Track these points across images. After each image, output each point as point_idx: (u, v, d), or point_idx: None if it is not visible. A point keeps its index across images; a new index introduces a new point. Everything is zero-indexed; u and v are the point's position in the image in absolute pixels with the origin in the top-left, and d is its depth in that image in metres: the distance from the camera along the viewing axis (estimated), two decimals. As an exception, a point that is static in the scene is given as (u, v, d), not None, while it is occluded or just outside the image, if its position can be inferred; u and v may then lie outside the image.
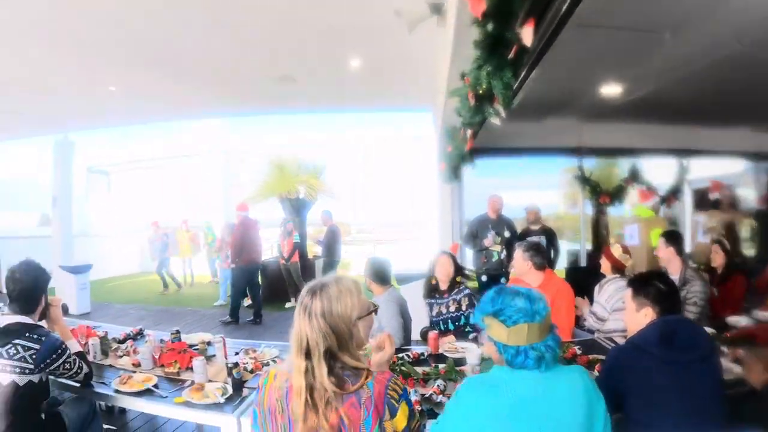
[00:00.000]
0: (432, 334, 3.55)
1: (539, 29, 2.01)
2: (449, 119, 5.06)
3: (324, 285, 1.74)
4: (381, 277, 4.08)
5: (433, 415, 2.38)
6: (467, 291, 4.19)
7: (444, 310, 4.18)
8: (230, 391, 2.74)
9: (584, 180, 8.85)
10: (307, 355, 1.64)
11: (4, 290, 2.92)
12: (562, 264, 8.07)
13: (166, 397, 2.78)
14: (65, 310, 9.64)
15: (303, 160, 11.62)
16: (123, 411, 4.40)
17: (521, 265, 4.10)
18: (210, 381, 2.91)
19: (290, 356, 1.72)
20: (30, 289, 2.78)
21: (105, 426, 3.27)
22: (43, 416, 2.68)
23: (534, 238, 6.25)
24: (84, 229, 14.79)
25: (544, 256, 4.21)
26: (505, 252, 6.71)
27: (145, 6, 5.10)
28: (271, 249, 13.39)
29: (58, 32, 5.86)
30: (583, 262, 9.01)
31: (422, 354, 3.39)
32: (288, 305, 10.16)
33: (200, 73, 7.34)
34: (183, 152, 20.61)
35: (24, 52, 6.46)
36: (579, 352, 3.23)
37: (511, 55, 2.24)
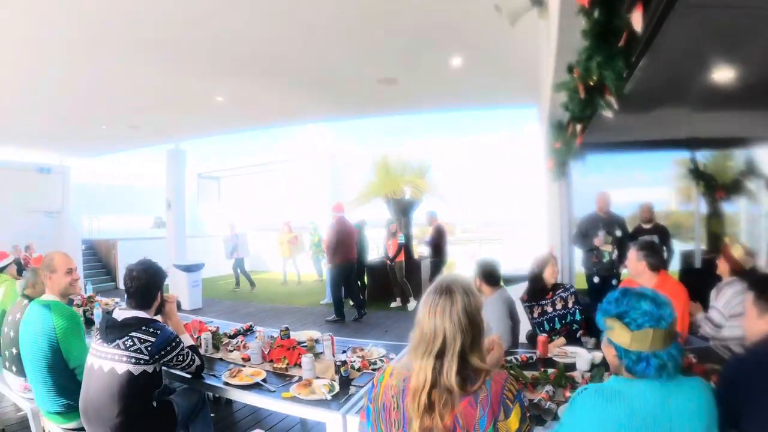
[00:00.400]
0: (542, 337, 3.47)
1: (648, 13, 1.89)
2: (556, 114, 4.86)
3: (455, 282, 1.76)
4: (492, 277, 4.04)
5: (541, 421, 2.32)
6: (573, 289, 4.12)
7: (549, 309, 4.12)
8: (337, 388, 2.80)
9: (697, 174, 8.20)
10: (440, 353, 1.65)
11: (123, 286, 3.14)
12: (674, 265, 7.55)
13: (274, 391, 2.88)
14: (178, 305, 10.31)
15: (408, 160, 11.68)
16: (229, 402, 4.62)
17: (635, 265, 3.88)
18: (317, 378, 2.99)
19: (410, 354, 1.74)
20: (146, 286, 2.97)
21: (211, 415, 3.42)
22: (154, 404, 2.86)
23: (646, 237, 5.90)
24: (196, 231, 15.72)
25: (659, 256, 3.96)
26: (616, 252, 6.38)
27: (249, 17, 5.38)
28: (377, 249, 13.58)
29: (171, 49, 6.38)
30: (697, 264, 8.35)
31: (531, 357, 3.30)
32: (393, 305, 10.31)
33: (303, 79, 7.60)
34: (290, 156, 21.36)
35: (142, 70, 7.13)
36: (695, 360, 3.00)
37: (621, 43, 2.12)
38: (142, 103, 8.92)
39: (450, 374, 1.61)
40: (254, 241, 19.28)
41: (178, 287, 11.14)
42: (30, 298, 3.67)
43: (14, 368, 3.66)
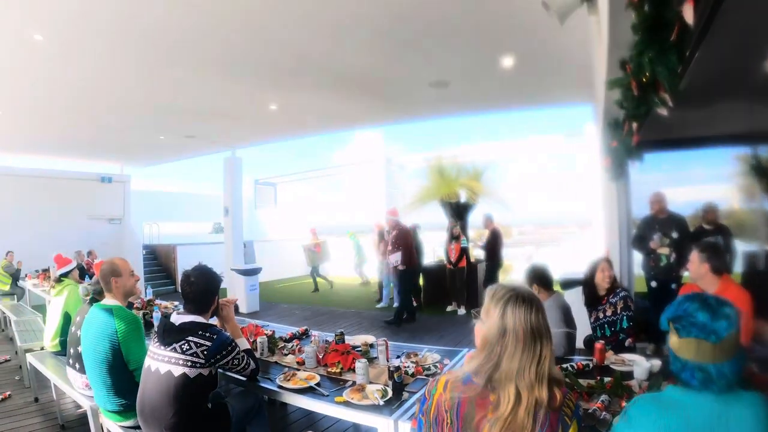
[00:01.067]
0: (598, 344, 3.35)
1: (699, 4, 1.82)
2: (611, 112, 4.73)
3: (525, 289, 1.77)
4: (546, 282, 3.99)
5: (595, 433, 2.26)
6: (623, 293, 4.02)
7: (601, 315, 4.07)
8: (390, 393, 2.81)
9: (761, 170, 7.74)
10: (538, 353, 1.64)
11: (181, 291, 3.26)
12: (736, 267, 7.19)
13: (328, 395, 2.91)
14: (236, 309, 10.57)
15: (463, 163, 11.61)
16: (283, 404, 4.71)
17: (697, 268, 3.70)
18: (371, 383, 3.01)
19: (475, 365, 1.70)
20: (203, 291, 3.07)
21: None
22: (209, 405, 2.95)
23: (710, 239, 5.63)
24: (254, 236, 16.10)
25: (722, 259, 3.77)
26: (674, 255, 6.11)
27: (301, 26, 5.50)
28: (433, 252, 13.56)
29: (228, 62, 6.61)
30: (762, 266, 7.87)
31: (587, 365, 3.21)
32: (449, 309, 10.28)
33: (355, 85, 7.69)
34: (344, 162, 21.61)
35: (199, 82, 7.43)
36: (756, 371, 2.85)
37: (673, 37, 2.05)
38: (199, 114, 9.30)
39: (541, 389, 1.58)
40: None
41: (235, 291, 11.43)
42: (93, 302, 3.86)
43: (77, 365, 3.85)
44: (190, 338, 2.80)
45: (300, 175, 23.43)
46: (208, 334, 2.84)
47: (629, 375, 2.98)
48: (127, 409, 3.25)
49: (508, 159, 17.04)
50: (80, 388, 3.93)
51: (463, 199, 10.97)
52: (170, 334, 2.85)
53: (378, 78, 7.38)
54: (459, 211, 10.87)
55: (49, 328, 5.42)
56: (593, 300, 4.14)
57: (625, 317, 3.85)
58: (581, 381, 2.82)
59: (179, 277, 14.10)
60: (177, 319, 2.95)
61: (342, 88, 7.75)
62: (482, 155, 14.23)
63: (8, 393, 5.78)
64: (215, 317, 3.32)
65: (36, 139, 11.78)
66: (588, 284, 4.16)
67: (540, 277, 3.98)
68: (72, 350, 4.01)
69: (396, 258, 8.93)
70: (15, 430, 4.83)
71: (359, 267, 15.84)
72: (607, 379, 2.83)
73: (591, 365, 3.22)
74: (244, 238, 13.48)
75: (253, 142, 12.68)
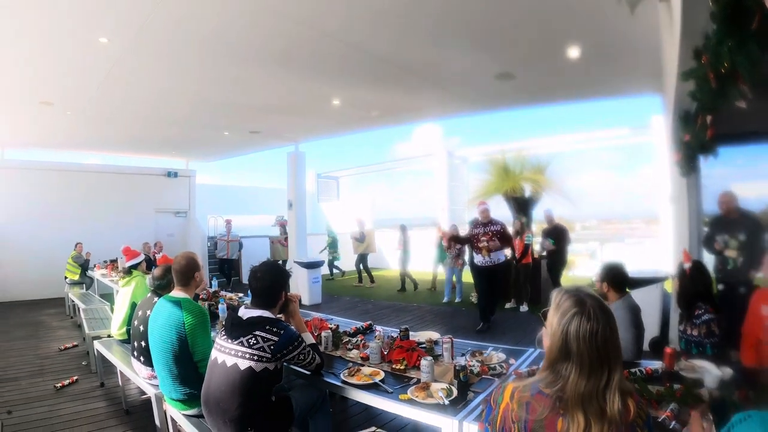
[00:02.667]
0: (668, 349, 3.17)
1: None
2: (683, 103, 4.51)
3: (595, 296, 1.65)
4: (620, 282, 3.85)
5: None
6: (706, 317, 3.58)
7: (689, 330, 3.73)
8: (455, 393, 2.78)
9: None
10: (606, 383, 1.53)
11: (247, 283, 3.34)
12: None
13: (392, 392, 2.92)
14: (299, 302, 10.75)
15: (527, 156, 11.42)
16: (343, 398, 4.76)
17: None
18: (435, 381, 2.99)
19: (543, 376, 1.63)
20: (270, 287, 3.14)
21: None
22: (273, 398, 3.00)
23: None
24: (317, 229, 16.36)
25: None
26: (741, 258, 5.74)
27: (364, 19, 5.53)
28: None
29: (292, 58, 6.75)
30: None
31: (656, 370, 3.07)
32: (508, 305, 10.24)
33: (418, 79, 7.66)
34: (406, 155, 21.68)
35: (263, 79, 7.65)
36: None
37: (754, 26, 1.93)
38: (263, 110, 9.57)
39: (614, 405, 1.50)
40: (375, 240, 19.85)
41: (298, 283, 11.61)
42: (159, 295, 4.02)
43: (142, 358, 4.04)
44: (257, 332, 2.85)
45: (361, 169, 23.76)
46: (275, 329, 2.89)
47: (699, 383, 2.85)
48: (191, 398, 3.36)
49: (573, 152, 16.74)
50: (145, 379, 4.11)
51: (527, 193, 10.80)
52: (238, 328, 2.92)
53: (442, 70, 7.34)
54: (523, 206, 10.72)
55: (117, 317, 5.68)
56: (687, 304, 3.85)
57: (708, 345, 3.53)
58: (650, 387, 2.72)
59: (244, 269, 14.61)
60: (245, 313, 3.02)
61: (405, 81, 7.73)
62: (546, 148, 14.02)
63: (75, 378, 6.10)
64: (282, 313, 3.38)
65: (105, 137, 12.46)
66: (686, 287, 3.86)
67: (614, 277, 3.84)
68: (136, 344, 4.20)
69: (499, 254, 8.26)
70: (81, 413, 5.06)
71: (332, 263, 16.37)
72: (676, 386, 2.71)
73: (660, 371, 3.09)
74: (307, 231, 13.82)
75: (316, 136, 12.86)
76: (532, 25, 5.68)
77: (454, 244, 10.41)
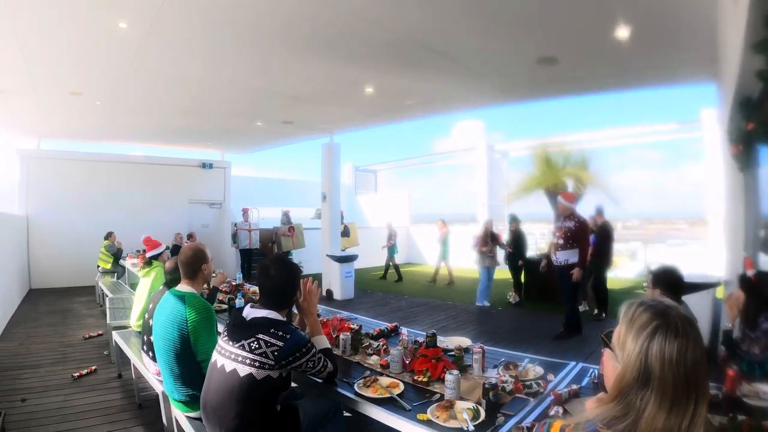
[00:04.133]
0: (731, 371, 2.69)
1: None
2: (745, 88, 4.02)
3: (682, 314, 1.28)
4: (676, 289, 3.40)
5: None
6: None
7: (754, 348, 3.28)
8: (482, 415, 2.40)
9: None
10: (692, 407, 1.18)
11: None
12: None
13: (410, 410, 2.55)
14: (330, 295, 10.55)
15: (570, 151, 10.95)
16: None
17: None
18: (461, 398, 2.61)
19: (605, 414, 1.26)
20: (282, 286, 2.82)
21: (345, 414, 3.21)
22: (278, 408, 2.69)
23: None
24: (354, 222, 16.25)
25: None
26: None
27: (398, 4, 5.23)
28: (535, 245, 13.00)
29: (322, 43, 6.48)
30: None
31: (716, 395, 2.58)
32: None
33: (455, 64, 7.24)
34: (445, 149, 21.50)
35: (294, 67, 7.43)
36: None
37: None
38: (294, 98, 9.33)
39: None
40: (411, 234, 19.70)
41: (331, 277, 11.42)
42: (169, 287, 3.77)
43: (150, 353, 3.84)
44: (260, 336, 2.54)
45: (400, 163, 23.68)
46: (280, 333, 2.57)
47: (764, 411, 2.39)
48: (193, 400, 3.13)
49: (615, 148, 16.25)
50: (154, 375, 3.93)
51: (569, 189, 10.34)
52: (239, 330, 2.63)
53: (480, 55, 6.91)
54: (565, 202, 10.27)
55: (135, 308, 5.57)
56: (751, 318, 3.36)
57: None
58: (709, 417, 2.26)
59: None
60: (249, 313, 2.73)
61: (440, 67, 7.35)
62: (589, 143, 13.57)
63: (94, 367, 6.04)
64: (295, 309, 3.12)
65: (137, 127, 12.59)
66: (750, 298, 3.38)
67: (669, 282, 3.40)
68: (145, 338, 4.05)
69: (567, 254, 7.43)
70: (96, 404, 4.98)
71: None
72: (741, 418, 2.27)
73: (720, 395, 2.61)
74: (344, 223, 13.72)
75: (350, 127, 12.64)
76: (577, 3, 5.20)
77: (491, 242, 9.99)
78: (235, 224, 14.45)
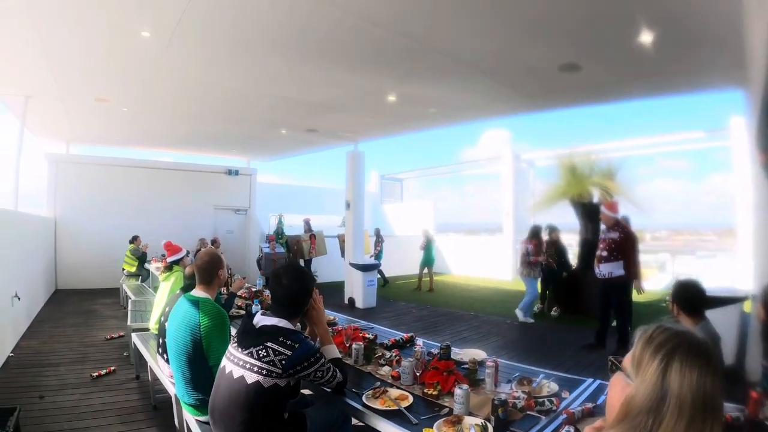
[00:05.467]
0: (754, 393, 2.54)
1: None
2: None
3: (698, 337, 1.25)
4: (697, 305, 3.31)
5: None
6: None
7: None
8: (490, 432, 2.36)
9: None
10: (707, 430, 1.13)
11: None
12: None
13: (416, 424, 2.51)
14: (352, 304, 10.52)
15: (596, 160, 10.76)
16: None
17: None
18: (470, 414, 2.56)
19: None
20: (293, 295, 2.81)
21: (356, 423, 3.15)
22: (286, 415, 2.68)
23: None
24: (321, 231, 16.28)
25: None
26: None
27: (419, 10, 5.24)
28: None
29: (344, 51, 6.55)
30: None
31: (737, 418, 2.47)
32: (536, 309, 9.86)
33: (477, 72, 7.22)
34: (472, 158, 21.59)
35: (317, 74, 7.49)
36: None
37: None
38: (317, 107, 9.43)
39: None
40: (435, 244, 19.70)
41: (353, 286, 11.41)
42: (185, 291, 3.79)
43: (165, 356, 3.85)
44: (268, 344, 2.53)
45: (426, 171, 23.67)
46: (289, 342, 2.55)
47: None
48: (203, 405, 3.13)
49: (641, 157, 16.01)
50: (168, 377, 3.96)
51: (595, 199, 10.17)
52: (248, 337, 2.62)
53: (502, 62, 6.88)
54: (591, 213, 10.08)
55: (155, 311, 5.64)
56: None
57: None
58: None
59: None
60: (259, 320, 2.72)
61: (462, 75, 7.34)
62: (615, 152, 13.49)
63: (113, 368, 6.13)
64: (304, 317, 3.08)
65: (163, 133, 12.96)
66: None
67: (689, 298, 3.31)
68: (161, 340, 4.07)
69: (612, 267, 7.18)
70: (111, 404, 5.06)
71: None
72: None
73: (742, 418, 2.49)
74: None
75: (374, 135, 12.71)
76: (599, 9, 5.14)
77: (544, 251, 9.85)
78: (261, 249, 14.42)
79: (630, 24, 5.41)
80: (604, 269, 7.24)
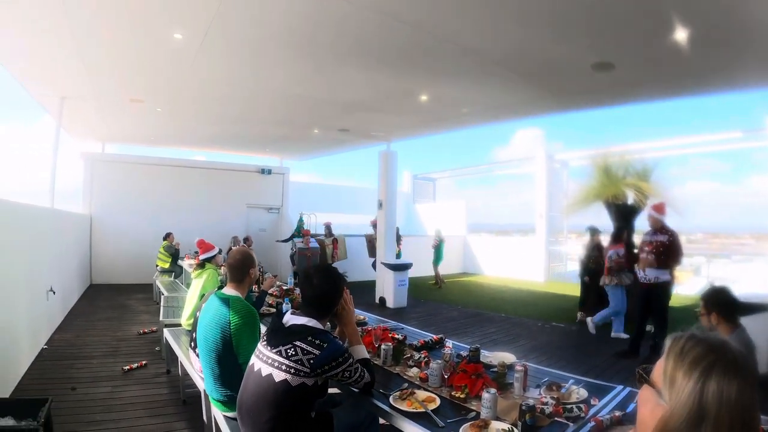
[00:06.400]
0: None
1: None
2: None
3: (735, 348, 1.17)
4: (732, 311, 3.25)
5: None
6: None
7: None
8: (517, 438, 2.34)
9: None
10: None
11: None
12: None
13: (443, 426, 2.51)
14: (382, 303, 10.54)
15: (631, 160, 10.57)
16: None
17: None
18: (497, 419, 2.55)
19: None
20: (323, 295, 2.83)
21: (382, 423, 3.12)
22: (312, 414, 2.70)
23: None
24: (411, 230, 16.32)
25: None
26: None
27: (450, 6, 5.18)
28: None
29: (376, 52, 6.57)
30: None
31: None
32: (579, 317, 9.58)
33: (509, 71, 7.15)
34: (505, 158, 21.52)
35: (349, 75, 7.54)
36: None
37: None
38: (350, 106, 9.48)
39: None
40: (468, 244, 19.64)
41: (385, 285, 11.44)
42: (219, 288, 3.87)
43: (197, 351, 3.88)
44: (297, 343, 2.55)
45: (459, 171, 23.64)
46: (317, 342, 2.57)
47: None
48: (231, 401, 3.18)
49: (676, 158, 15.69)
50: (198, 372, 4.01)
51: (630, 201, 9.99)
52: (277, 335, 2.65)
53: (534, 61, 6.77)
54: (625, 214, 9.90)
55: (187, 308, 5.73)
56: None
57: None
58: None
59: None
60: (289, 319, 2.75)
61: (494, 74, 7.26)
62: (650, 153, 13.22)
63: (144, 362, 6.29)
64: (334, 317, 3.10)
65: (197, 133, 13.16)
66: None
67: (724, 305, 3.26)
68: (193, 335, 4.12)
69: (658, 271, 6.97)
70: (141, 398, 5.19)
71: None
72: None
73: None
74: (400, 232, 13.92)
75: (406, 135, 12.73)
76: (633, 6, 5.02)
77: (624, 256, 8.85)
78: (294, 244, 14.53)
79: (665, 21, 5.29)
80: (650, 274, 7.03)
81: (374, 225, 13.52)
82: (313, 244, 14.21)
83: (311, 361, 2.50)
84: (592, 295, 9.68)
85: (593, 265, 9.59)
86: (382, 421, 3.02)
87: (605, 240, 9.74)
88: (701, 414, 1.07)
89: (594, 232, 10.10)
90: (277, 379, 2.50)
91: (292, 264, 14.21)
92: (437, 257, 15.42)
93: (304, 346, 2.54)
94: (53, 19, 5.62)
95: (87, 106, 9.74)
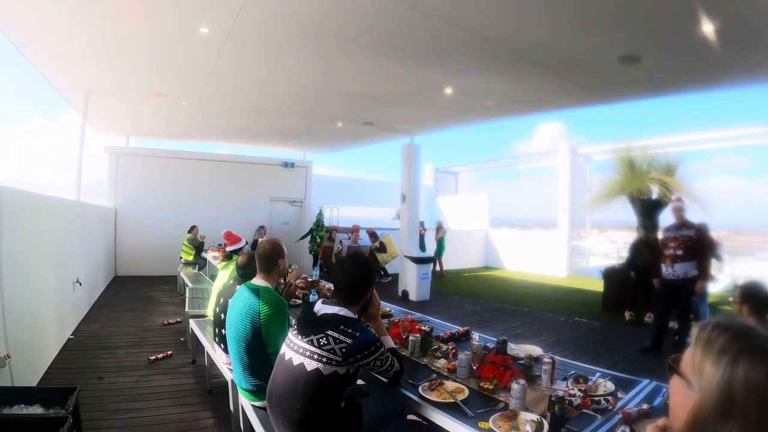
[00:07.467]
0: None
1: None
2: None
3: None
4: (764, 306, 3.24)
5: None
6: None
7: None
8: (546, 429, 2.36)
9: None
10: None
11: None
12: None
13: (472, 417, 2.54)
14: (405, 296, 10.56)
15: (655, 154, 10.46)
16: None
17: None
18: (526, 409, 2.58)
19: None
20: (357, 282, 2.86)
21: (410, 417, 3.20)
22: (342, 404, 2.73)
23: None
24: (433, 224, 16.37)
25: None
26: None
27: (476, 2, 5.18)
28: (617, 252, 12.57)
29: (400, 44, 6.53)
30: None
31: None
32: (628, 317, 9.44)
33: (534, 64, 7.10)
34: (528, 152, 21.38)
35: (373, 67, 7.54)
36: None
37: None
38: (373, 100, 9.49)
39: None
40: (490, 238, 19.60)
41: (407, 278, 11.47)
42: (240, 283, 3.90)
43: (222, 345, 4.01)
44: (329, 332, 2.59)
45: (481, 165, 23.61)
46: (350, 330, 2.60)
47: None
48: (260, 390, 3.23)
49: (700, 152, 15.49)
50: (225, 365, 4.11)
51: (654, 196, 9.90)
52: (309, 325, 2.69)
53: (560, 54, 6.72)
54: (650, 209, 9.81)
55: (212, 298, 5.75)
56: None
57: None
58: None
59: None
60: (320, 308, 2.78)
61: (519, 67, 7.22)
62: (674, 147, 12.99)
63: (170, 352, 6.39)
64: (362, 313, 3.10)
65: (221, 126, 13.32)
66: None
67: (757, 299, 3.25)
68: (217, 330, 4.21)
69: (687, 267, 6.85)
70: (167, 387, 5.29)
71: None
72: None
73: None
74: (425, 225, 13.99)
75: (430, 128, 12.69)
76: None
77: (645, 250, 9.08)
78: (341, 242, 14.41)
79: (692, 12, 5.20)
80: (679, 269, 6.89)
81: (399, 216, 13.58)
82: (364, 242, 14.26)
83: (343, 350, 2.53)
84: (641, 292, 9.38)
85: (641, 262, 9.16)
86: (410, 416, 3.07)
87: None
88: (731, 403, 1.05)
89: (647, 228, 9.58)
90: (309, 369, 2.53)
91: (314, 262, 14.07)
92: (440, 248, 16.04)
93: (336, 335, 2.57)
94: (79, 14, 5.71)
95: (112, 100, 9.89)
